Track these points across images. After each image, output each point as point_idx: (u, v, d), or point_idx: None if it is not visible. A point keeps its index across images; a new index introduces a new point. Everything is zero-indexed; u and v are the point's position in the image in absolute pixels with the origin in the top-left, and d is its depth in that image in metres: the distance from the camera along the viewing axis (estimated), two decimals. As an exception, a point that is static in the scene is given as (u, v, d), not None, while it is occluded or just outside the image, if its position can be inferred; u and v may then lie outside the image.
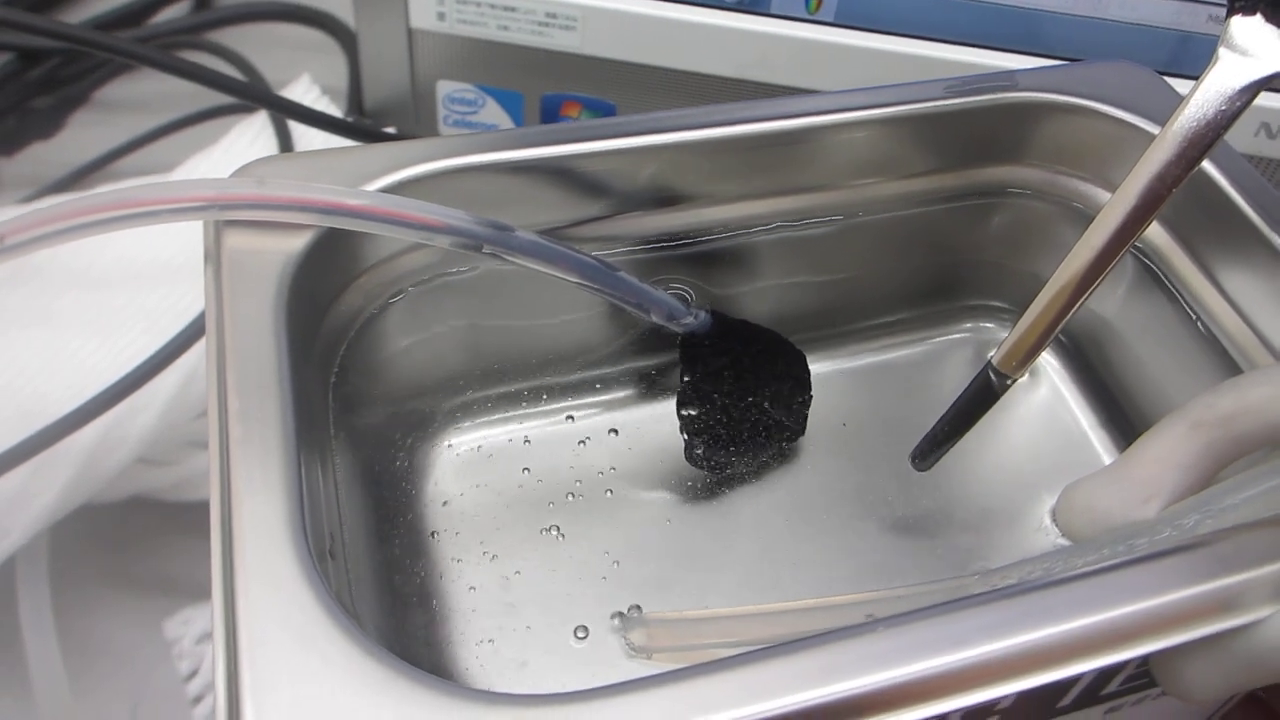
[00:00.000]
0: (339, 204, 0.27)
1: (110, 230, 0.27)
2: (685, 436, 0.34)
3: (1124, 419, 0.36)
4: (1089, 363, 0.37)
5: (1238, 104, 0.25)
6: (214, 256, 0.28)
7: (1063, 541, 0.28)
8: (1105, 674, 0.25)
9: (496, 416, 0.35)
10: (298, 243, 0.28)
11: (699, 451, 0.34)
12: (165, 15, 0.59)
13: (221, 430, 0.24)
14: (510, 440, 0.35)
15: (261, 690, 0.21)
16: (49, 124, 0.54)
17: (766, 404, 0.34)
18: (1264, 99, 0.42)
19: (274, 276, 0.27)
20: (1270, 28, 0.25)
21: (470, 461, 0.34)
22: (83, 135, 0.54)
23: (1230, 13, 0.25)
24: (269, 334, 0.26)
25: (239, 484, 0.23)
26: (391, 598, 0.31)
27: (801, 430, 0.35)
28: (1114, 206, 0.27)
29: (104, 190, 0.27)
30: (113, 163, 0.52)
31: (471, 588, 0.32)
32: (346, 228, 0.28)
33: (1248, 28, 0.25)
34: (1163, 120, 0.26)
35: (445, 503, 0.33)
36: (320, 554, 0.24)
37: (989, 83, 0.34)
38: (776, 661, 0.21)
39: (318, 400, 0.29)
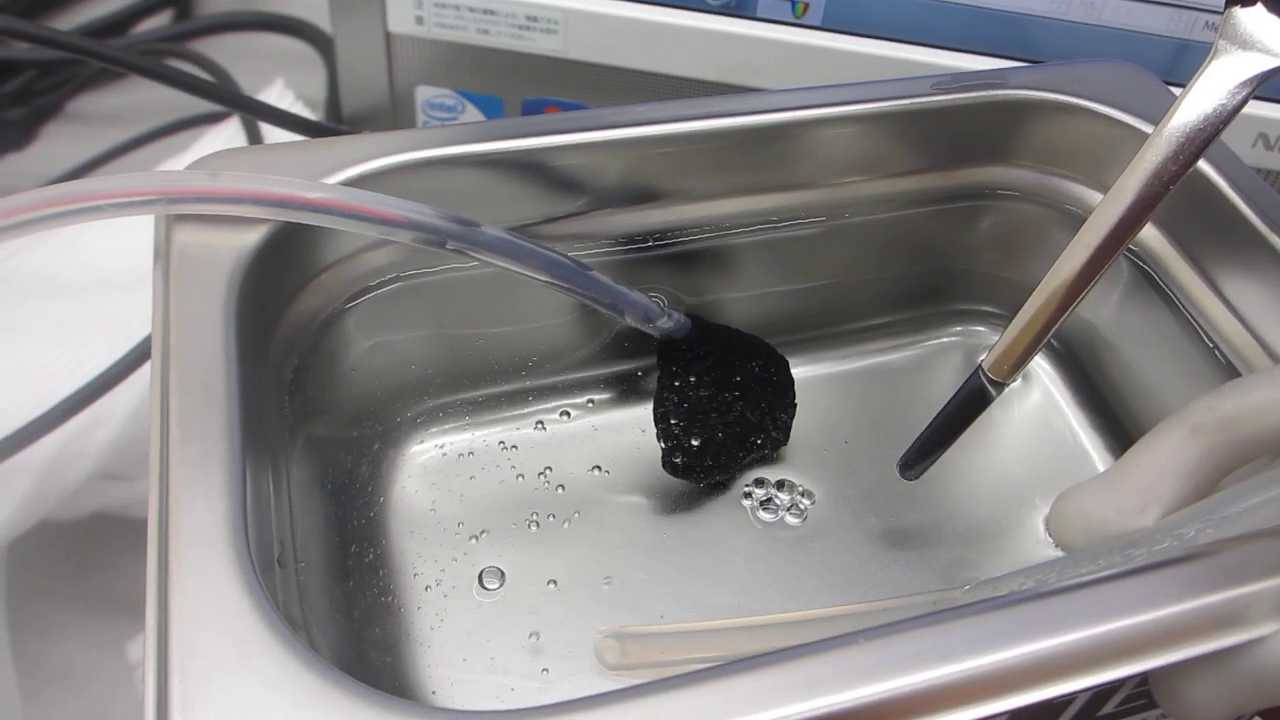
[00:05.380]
0: (293, 197, 0.26)
1: (57, 225, 0.26)
2: (664, 445, 0.33)
3: (1119, 426, 0.35)
4: (1083, 368, 0.37)
5: (1237, 98, 0.25)
6: (163, 253, 0.27)
7: (1057, 552, 0.27)
8: (1101, 693, 0.24)
9: (464, 422, 0.34)
10: (251, 238, 0.27)
11: (678, 461, 0.32)
12: (146, 25, 0.58)
13: (163, 432, 0.23)
14: (479, 448, 0.34)
15: (190, 705, 0.19)
16: (22, 135, 0.54)
17: (748, 412, 0.33)
18: (1264, 109, 0.41)
19: (224, 273, 0.26)
20: (1272, 18, 0.24)
21: (436, 469, 0.33)
22: (55, 147, 0.54)
23: (1229, 2, 0.25)
24: (217, 333, 0.25)
25: (177, 487, 0.22)
26: (349, 609, 0.29)
27: (785, 439, 0.34)
28: (1109, 205, 0.26)
29: (52, 186, 0.26)
30: (85, 174, 0.51)
31: (436, 600, 0.30)
32: (302, 222, 0.27)
33: (1248, 18, 0.24)
34: (1157, 119, 0.25)
35: (409, 512, 0.32)
36: (266, 562, 0.23)
37: (978, 80, 0.33)
38: (753, 675, 0.20)
39: (271, 403, 0.28)
